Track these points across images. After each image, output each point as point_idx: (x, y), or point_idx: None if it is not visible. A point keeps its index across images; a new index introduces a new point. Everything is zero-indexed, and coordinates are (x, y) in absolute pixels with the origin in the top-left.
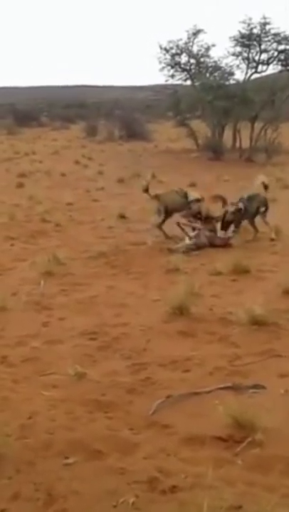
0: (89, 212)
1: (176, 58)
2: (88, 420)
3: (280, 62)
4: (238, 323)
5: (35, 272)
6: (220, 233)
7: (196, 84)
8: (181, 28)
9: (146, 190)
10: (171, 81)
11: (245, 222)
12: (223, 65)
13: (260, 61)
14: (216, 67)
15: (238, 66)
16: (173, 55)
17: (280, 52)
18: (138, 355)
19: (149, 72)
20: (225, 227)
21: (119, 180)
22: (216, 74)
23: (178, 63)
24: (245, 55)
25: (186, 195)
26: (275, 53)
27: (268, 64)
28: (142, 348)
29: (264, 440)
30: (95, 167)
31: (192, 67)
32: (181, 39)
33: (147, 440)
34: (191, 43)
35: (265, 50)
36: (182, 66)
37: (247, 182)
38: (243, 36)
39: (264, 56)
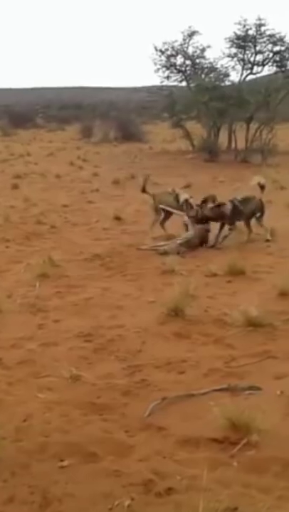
0: (84, 214)
1: (172, 60)
2: (83, 423)
3: (275, 64)
4: (233, 324)
5: (30, 274)
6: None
7: (192, 85)
8: (177, 30)
9: (143, 191)
10: (166, 82)
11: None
12: (218, 66)
13: (256, 62)
14: (212, 69)
15: (233, 67)
16: (168, 57)
17: (275, 53)
18: (133, 357)
19: (144, 73)
20: (203, 223)
21: (114, 182)
22: (211, 75)
23: (173, 64)
24: (241, 56)
25: (177, 197)
26: (270, 54)
27: (263, 65)
28: (137, 349)
29: (259, 442)
30: (90, 169)
31: (187, 68)
32: (176, 40)
33: (143, 442)
34: (186, 45)
35: (260, 52)
36: (177, 67)
37: (242, 183)
38: (238, 37)
39: (259, 57)
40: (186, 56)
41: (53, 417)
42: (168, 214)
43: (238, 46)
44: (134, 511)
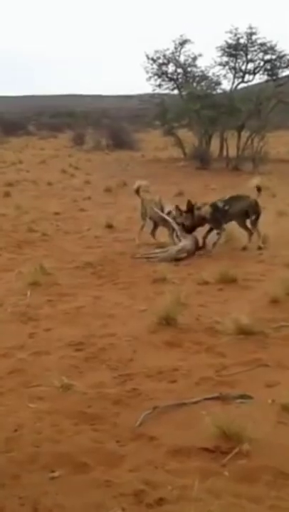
0: (76, 222)
1: (163, 68)
2: (74, 433)
3: (266, 72)
4: (224, 332)
5: (21, 283)
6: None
7: (183, 93)
8: (169, 38)
9: (137, 191)
10: (158, 90)
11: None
12: (210, 74)
13: (247, 71)
14: (203, 77)
15: (224, 76)
16: (160, 65)
17: (266, 62)
18: (125, 366)
19: (136, 81)
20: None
21: (106, 190)
22: (202, 83)
23: (165, 73)
24: (232, 64)
25: (162, 208)
26: (262, 63)
27: (254, 74)
28: (128, 358)
29: (251, 451)
30: (82, 176)
31: (179, 76)
32: (168, 49)
33: (134, 452)
34: (178, 53)
35: (252, 60)
36: (169, 76)
37: (234, 190)
38: (229, 46)
39: (250, 66)
40: (177, 64)
41: (43, 426)
42: (157, 224)
43: (230, 55)
44: None
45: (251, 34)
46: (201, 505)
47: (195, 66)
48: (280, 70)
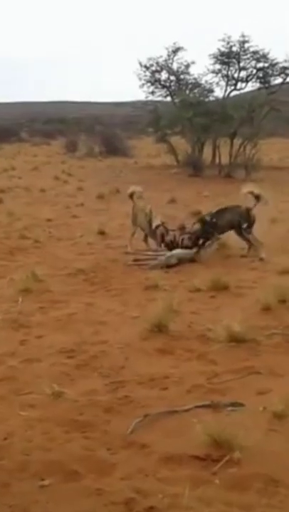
0: (68, 229)
1: (156, 75)
2: (65, 440)
3: (258, 80)
4: (216, 340)
5: (13, 290)
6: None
7: (176, 100)
8: (161, 45)
9: (131, 196)
10: (151, 97)
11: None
12: (202, 82)
13: (239, 78)
14: (196, 84)
15: (217, 83)
16: (153, 72)
17: (259, 69)
18: (116, 373)
19: (129, 88)
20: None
21: (98, 197)
22: (195, 91)
23: (158, 80)
24: (225, 72)
25: (150, 220)
26: (254, 71)
27: (246, 81)
28: (120, 365)
29: (242, 458)
30: (74, 183)
31: (172, 84)
32: (161, 56)
33: (125, 460)
34: (170, 60)
35: (244, 68)
36: (162, 83)
37: (226, 198)
38: (222, 54)
39: (243, 74)
40: (170, 72)
41: (34, 434)
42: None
43: (222, 62)
44: None
45: (244, 42)
46: None
47: (188, 73)
48: (272, 78)
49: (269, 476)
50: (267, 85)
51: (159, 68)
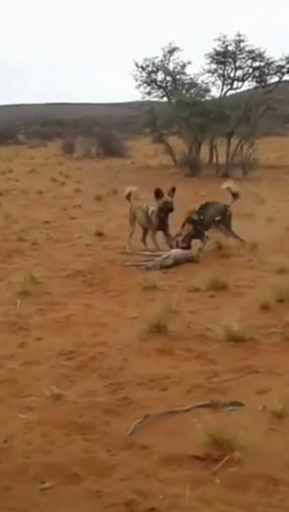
0: (66, 231)
1: (153, 76)
2: (65, 443)
3: (254, 79)
4: (215, 339)
5: (11, 292)
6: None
7: (173, 101)
8: (157, 46)
9: (128, 197)
10: (147, 98)
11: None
12: (199, 81)
13: (236, 78)
14: (192, 84)
15: (213, 83)
16: (149, 73)
17: (255, 69)
18: (115, 374)
19: (126, 89)
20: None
21: (96, 198)
22: (192, 91)
23: (154, 80)
24: (221, 72)
25: (147, 213)
26: (250, 70)
27: (243, 81)
28: (119, 367)
29: (242, 458)
30: (72, 184)
31: (168, 84)
32: (157, 57)
33: (125, 461)
34: (166, 61)
35: (240, 67)
36: (158, 83)
37: (223, 197)
38: (218, 53)
39: (239, 73)
40: (166, 72)
41: (34, 437)
42: (146, 230)
43: (218, 62)
44: None
45: (239, 41)
46: None
47: (184, 74)
48: (268, 77)
49: (269, 475)
50: (263, 84)
51: (155, 69)
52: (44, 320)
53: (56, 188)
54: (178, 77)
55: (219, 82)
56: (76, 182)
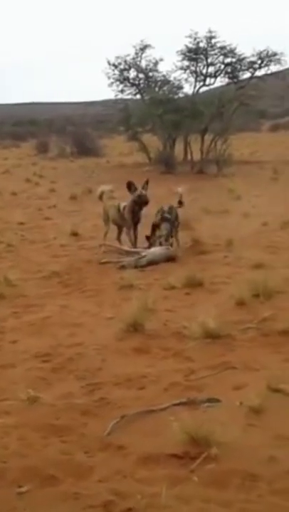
0: (41, 231)
1: (125, 73)
2: (42, 446)
3: (227, 75)
4: (192, 337)
5: None
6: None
7: (146, 98)
8: (129, 43)
9: (100, 197)
10: (121, 96)
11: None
12: (171, 79)
13: (208, 74)
14: (165, 81)
15: (186, 80)
16: (121, 71)
17: (227, 65)
18: (93, 375)
19: (99, 87)
20: None
21: (71, 198)
22: (165, 88)
23: (127, 78)
24: (193, 68)
25: (119, 209)
26: (222, 66)
27: (215, 77)
28: (96, 367)
29: (220, 455)
30: (46, 185)
31: (141, 81)
32: (128, 54)
33: (102, 462)
34: (139, 58)
35: (212, 64)
36: (131, 81)
37: (198, 194)
38: (190, 50)
39: (211, 69)
40: (139, 70)
41: (10, 441)
42: (120, 228)
43: (190, 59)
44: None
45: (211, 38)
46: None
47: (156, 71)
48: (240, 73)
49: (247, 471)
50: (236, 80)
51: (127, 66)
52: (19, 322)
53: (30, 189)
54: (150, 74)
55: (192, 79)
56: (51, 182)
